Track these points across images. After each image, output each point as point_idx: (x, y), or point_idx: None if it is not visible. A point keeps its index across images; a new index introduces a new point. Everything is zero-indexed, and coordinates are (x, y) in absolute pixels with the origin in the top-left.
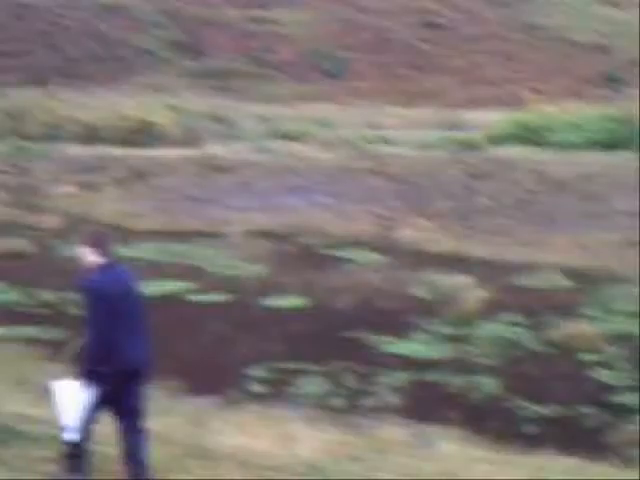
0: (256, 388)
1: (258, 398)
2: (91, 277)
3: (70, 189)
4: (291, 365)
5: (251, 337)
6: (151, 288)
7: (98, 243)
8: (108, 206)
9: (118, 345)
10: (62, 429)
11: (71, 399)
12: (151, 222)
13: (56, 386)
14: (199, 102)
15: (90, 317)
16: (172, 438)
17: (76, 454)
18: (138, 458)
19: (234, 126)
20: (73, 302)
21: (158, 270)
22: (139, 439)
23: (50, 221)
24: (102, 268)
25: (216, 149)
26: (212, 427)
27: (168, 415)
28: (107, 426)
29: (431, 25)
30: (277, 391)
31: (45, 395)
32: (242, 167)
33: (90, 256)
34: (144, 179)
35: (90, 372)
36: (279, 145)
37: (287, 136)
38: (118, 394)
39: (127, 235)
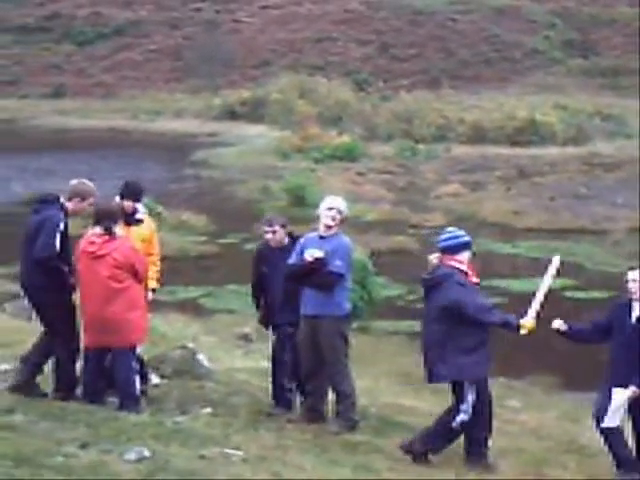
0: None
1: None
2: None
3: (455, 188)
4: None
5: None
6: (528, 285)
7: None
8: (492, 204)
9: None
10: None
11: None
12: (534, 220)
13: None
14: (587, 100)
15: None
16: (548, 433)
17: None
18: None
19: (622, 123)
20: None
21: (538, 267)
22: None
23: (434, 219)
24: None
25: (602, 146)
26: (586, 423)
27: (544, 410)
28: None
29: None
30: None
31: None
32: (628, 164)
33: None
34: (528, 178)
35: None
36: None
37: None
38: None
39: (510, 233)
